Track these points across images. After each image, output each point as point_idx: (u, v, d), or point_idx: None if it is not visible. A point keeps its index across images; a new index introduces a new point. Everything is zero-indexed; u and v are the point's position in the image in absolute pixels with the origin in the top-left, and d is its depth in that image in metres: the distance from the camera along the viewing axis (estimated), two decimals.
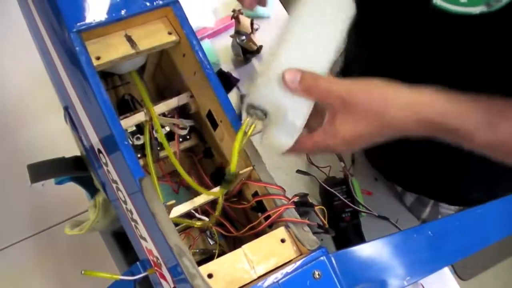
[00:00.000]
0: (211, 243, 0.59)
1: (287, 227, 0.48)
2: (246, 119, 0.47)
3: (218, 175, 0.60)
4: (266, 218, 0.50)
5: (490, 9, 0.45)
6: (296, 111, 0.46)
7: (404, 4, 0.55)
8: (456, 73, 0.54)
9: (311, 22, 0.47)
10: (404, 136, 0.47)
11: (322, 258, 0.43)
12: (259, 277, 0.45)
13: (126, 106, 0.64)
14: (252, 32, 0.91)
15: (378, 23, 0.62)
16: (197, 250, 0.58)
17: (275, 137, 0.47)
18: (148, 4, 0.53)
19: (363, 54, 0.71)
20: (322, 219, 0.57)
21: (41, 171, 0.61)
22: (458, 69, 0.53)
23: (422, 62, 0.57)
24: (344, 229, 0.77)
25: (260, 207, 0.53)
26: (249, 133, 0.48)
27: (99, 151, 0.54)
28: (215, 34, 0.98)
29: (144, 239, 0.52)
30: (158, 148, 0.58)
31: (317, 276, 0.42)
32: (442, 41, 0.53)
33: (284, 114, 0.46)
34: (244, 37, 0.90)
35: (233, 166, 0.48)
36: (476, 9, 0.46)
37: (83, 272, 0.50)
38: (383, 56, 0.64)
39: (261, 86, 0.46)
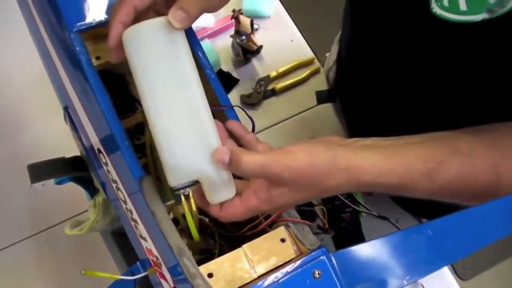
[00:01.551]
0: (211, 243, 0.59)
1: (287, 226, 0.48)
2: (183, 201, 0.46)
3: None
4: (266, 218, 0.50)
5: (493, 15, 0.44)
6: (219, 169, 0.44)
7: (403, 11, 0.55)
8: (455, 78, 0.54)
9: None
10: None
11: (322, 257, 0.43)
12: (259, 277, 0.45)
13: (126, 106, 0.64)
14: (252, 32, 0.91)
15: (375, 28, 0.62)
16: (197, 250, 0.58)
17: (217, 196, 0.45)
18: None
19: (358, 58, 0.71)
20: (322, 219, 0.57)
21: (41, 171, 0.61)
22: (457, 74, 0.53)
23: (419, 68, 0.57)
24: (344, 229, 0.77)
25: None
26: (193, 205, 0.47)
27: (99, 151, 0.54)
28: (215, 34, 0.98)
29: (144, 239, 0.52)
30: None
31: (317, 276, 0.42)
32: (442, 48, 0.53)
33: (211, 176, 0.44)
34: (244, 37, 0.90)
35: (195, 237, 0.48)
36: (478, 17, 0.45)
37: (83, 272, 0.50)
38: (379, 62, 0.64)
39: (174, 170, 0.44)
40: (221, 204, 0.46)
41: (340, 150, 0.45)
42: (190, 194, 0.47)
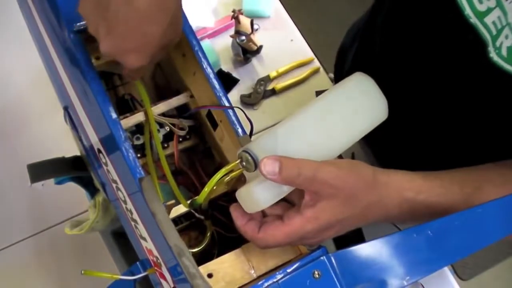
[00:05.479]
0: (211, 243, 0.59)
1: None
2: (237, 162, 0.44)
3: None
4: None
5: None
6: None
7: (458, 54, 0.53)
8: (497, 125, 0.53)
9: (336, 108, 0.45)
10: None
11: (322, 258, 0.43)
12: (259, 277, 0.45)
13: (126, 106, 0.64)
14: (252, 32, 0.91)
15: (423, 66, 0.60)
16: (197, 250, 0.58)
17: (255, 189, 0.43)
18: None
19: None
20: None
21: (41, 171, 0.61)
22: (500, 122, 0.53)
23: (434, 78, 0.57)
24: None
25: None
26: (231, 174, 0.45)
27: (99, 151, 0.54)
28: (215, 34, 0.97)
29: (144, 239, 0.52)
30: None
31: (317, 276, 0.42)
32: (492, 96, 0.52)
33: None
34: (244, 37, 0.90)
35: (200, 198, 0.46)
36: None
37: (83, 272, 0.50)
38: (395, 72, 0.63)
39: (264, 138, 0.43)
40: (260, 226, 0.44)
41: (377, 169, 0.45)
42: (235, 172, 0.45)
